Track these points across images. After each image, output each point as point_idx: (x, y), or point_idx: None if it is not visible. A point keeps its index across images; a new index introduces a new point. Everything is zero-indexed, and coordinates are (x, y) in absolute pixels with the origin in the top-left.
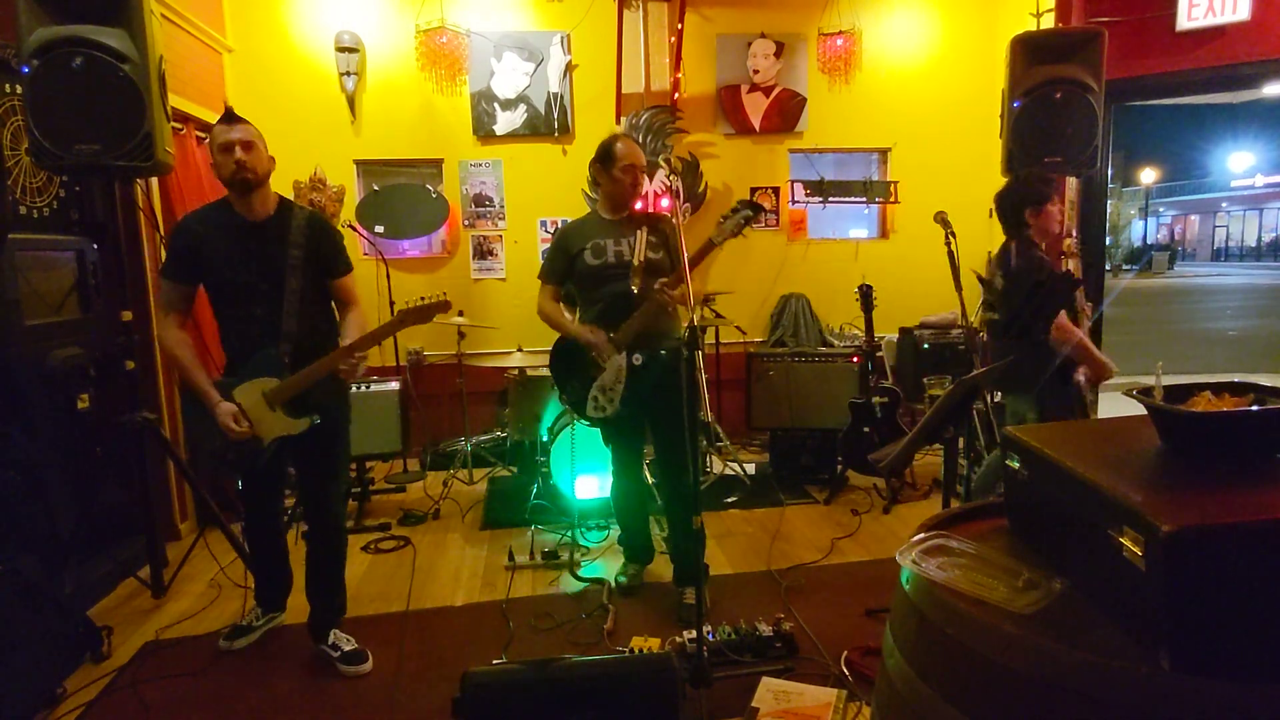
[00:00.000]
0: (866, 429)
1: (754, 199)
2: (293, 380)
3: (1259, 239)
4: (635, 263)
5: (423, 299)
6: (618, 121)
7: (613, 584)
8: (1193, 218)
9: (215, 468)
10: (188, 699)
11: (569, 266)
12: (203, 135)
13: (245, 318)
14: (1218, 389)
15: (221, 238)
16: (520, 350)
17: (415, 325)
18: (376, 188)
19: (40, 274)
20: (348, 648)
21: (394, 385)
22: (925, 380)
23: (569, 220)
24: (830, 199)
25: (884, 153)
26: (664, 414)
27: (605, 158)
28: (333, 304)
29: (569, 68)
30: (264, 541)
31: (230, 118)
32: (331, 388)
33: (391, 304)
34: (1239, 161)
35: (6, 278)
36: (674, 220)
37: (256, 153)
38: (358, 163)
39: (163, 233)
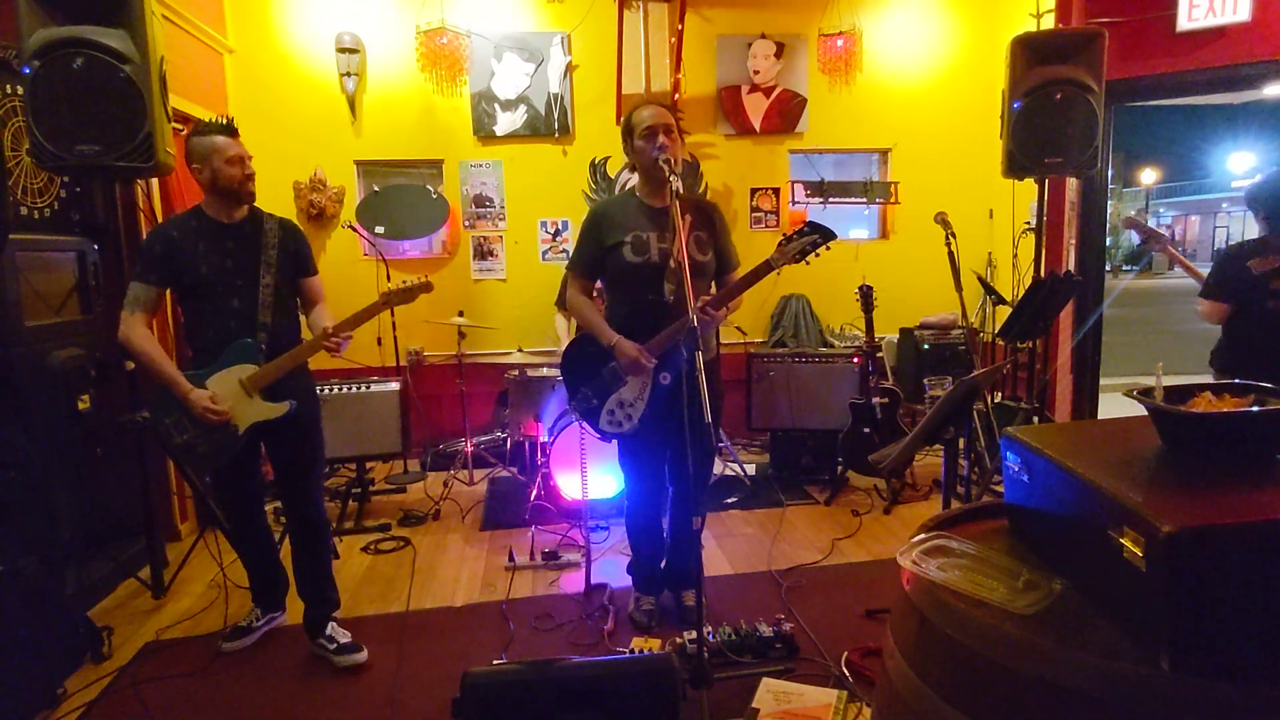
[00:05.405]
0: (867, 429)
1: (754, 200)
2: (275, 364)
3: None
4: (671, 264)
5: (404, 281)
6: (618, 122)
7: (629, 619)
8: (1193, 218)
9: (187, 464)
10: (188, 699)
11: (602, 257)
12: None
13: (222, 310)
14: (1218, 389)
15: (199, 241)
16: (520, 350)
17: (399, 305)
18: (377, 188)
19: (41, 274)
20: (343, 640)
21: (394, 385)
22: (926, 381)
23: (603, 199)
24: (830, 200)
25: (884, 153)
26: (681, 419)
27: (626, 131)
28: (297, 306)
29: (569, 68)
30: (251, 544)
31: (234, 130)
32: (301, 383)
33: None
34: (1239, 162)
35: (7, 278)
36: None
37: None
38: (358, 163)
39: None
